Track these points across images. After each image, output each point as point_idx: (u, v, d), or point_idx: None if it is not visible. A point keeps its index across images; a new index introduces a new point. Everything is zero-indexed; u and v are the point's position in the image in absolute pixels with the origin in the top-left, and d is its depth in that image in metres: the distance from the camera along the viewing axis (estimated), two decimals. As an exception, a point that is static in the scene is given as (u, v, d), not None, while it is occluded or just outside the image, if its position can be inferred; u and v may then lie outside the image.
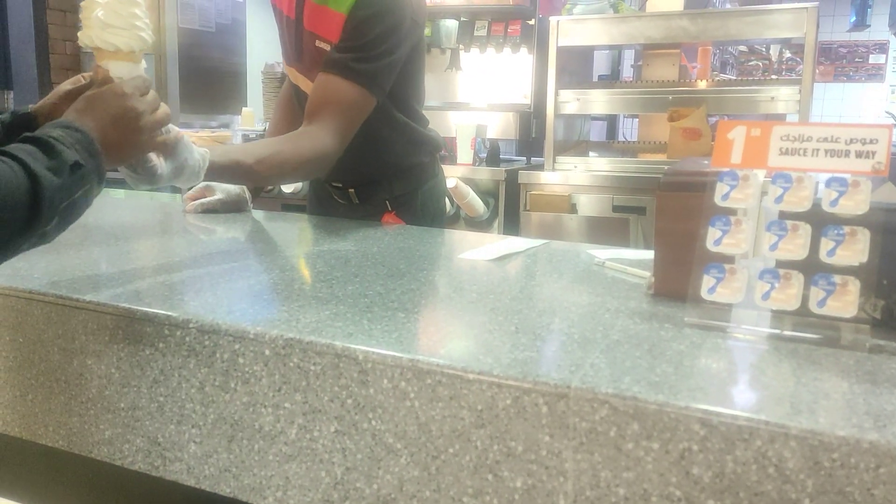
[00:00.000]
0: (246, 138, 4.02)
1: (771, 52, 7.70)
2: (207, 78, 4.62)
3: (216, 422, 0.85)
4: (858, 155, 0.84)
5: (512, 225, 3.31)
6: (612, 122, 5.27)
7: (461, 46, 3.58)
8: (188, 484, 0.88)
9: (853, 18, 7.65)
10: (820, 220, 0.83)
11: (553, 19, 3.23)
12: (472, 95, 3.72)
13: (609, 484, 0.66)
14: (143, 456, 0.90)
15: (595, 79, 4.37)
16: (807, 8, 2.78)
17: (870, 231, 0.80)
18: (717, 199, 0.89)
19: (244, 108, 4.47)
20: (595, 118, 4.54)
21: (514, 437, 0.70)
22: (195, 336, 0.85)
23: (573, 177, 3.23)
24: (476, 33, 3.44)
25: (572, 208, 3.18)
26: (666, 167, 3.19)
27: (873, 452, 0.57)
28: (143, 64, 1.02)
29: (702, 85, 3.35)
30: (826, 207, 0.83)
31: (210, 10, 4.66)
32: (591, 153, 3.67)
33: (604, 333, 0.84)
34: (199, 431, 0.86)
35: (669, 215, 1.00)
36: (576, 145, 3.75)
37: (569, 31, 3.21)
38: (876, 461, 0.57)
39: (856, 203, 0.81)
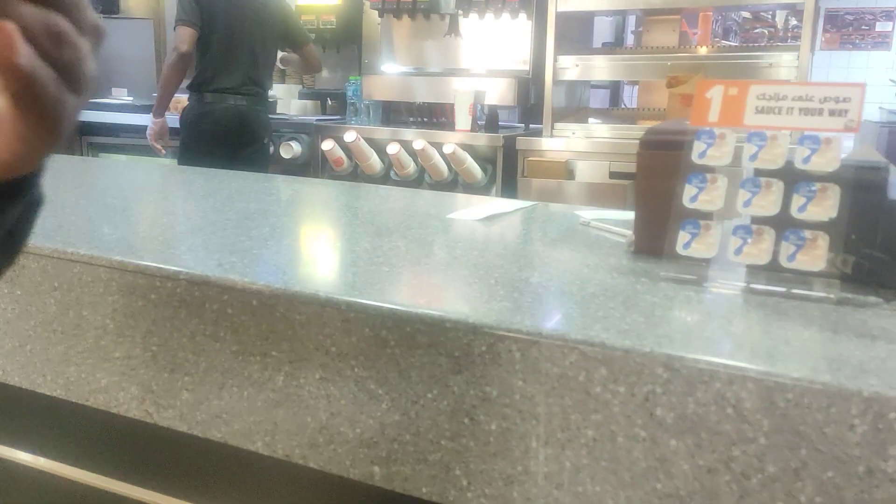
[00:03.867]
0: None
1: (777, 19, 7.63)
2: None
3: (207, 370, 0.88)
4: (832, 113, 0.85)
5: (510, 191, 3.33)
6: (614, 89, 5.25)
7: (460, 12, 3.56)
8: (181, 430, 0.91)
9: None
10: (792, 178, 0.85)
11: (552, -17, 3.21)
12: (471, 61, 3.71)
13: (578, 426, 0.70)
14: (138, 403, 0.94)
15: (599, 45, 4.35)
16: (807, -27, 2.77)
17: (840, 188, 0.82)
18: (694, 157, 0.91)
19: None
20: (597, 85, 4.53)
21: (489, 382, 0.73)
22: (185, 288, 0.88)
23: (571, 143, 3.23)
24: (475, -1, 3.43)
25: (570, 174, 3.19)
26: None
27: (825, 393, 0.60)
28: None
29: (702, 51, 3.33)
30: (798, 165, 0.85)
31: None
32: (590, 120, 3.67)
33: (580, 287, 0.86)
34: (191, 379, 0.89)
35: (649, 174, 1.02)
36: (575, 112, 3.75)
37: (569, -5, 3.19)
38: (828, 401, 0.60)
39: (827, 160, 0.83)
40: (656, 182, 1.00)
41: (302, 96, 4.30)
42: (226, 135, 3.40)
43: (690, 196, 0.90)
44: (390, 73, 3.83)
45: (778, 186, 0.86)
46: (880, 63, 8.44)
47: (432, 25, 3.69)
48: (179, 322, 0.88)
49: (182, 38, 3.30)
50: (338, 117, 4.07)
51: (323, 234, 1.09)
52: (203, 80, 3.41)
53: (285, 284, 0.83)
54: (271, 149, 3.65)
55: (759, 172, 0.87)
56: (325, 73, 4.35)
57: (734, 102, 0.91)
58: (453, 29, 3.66)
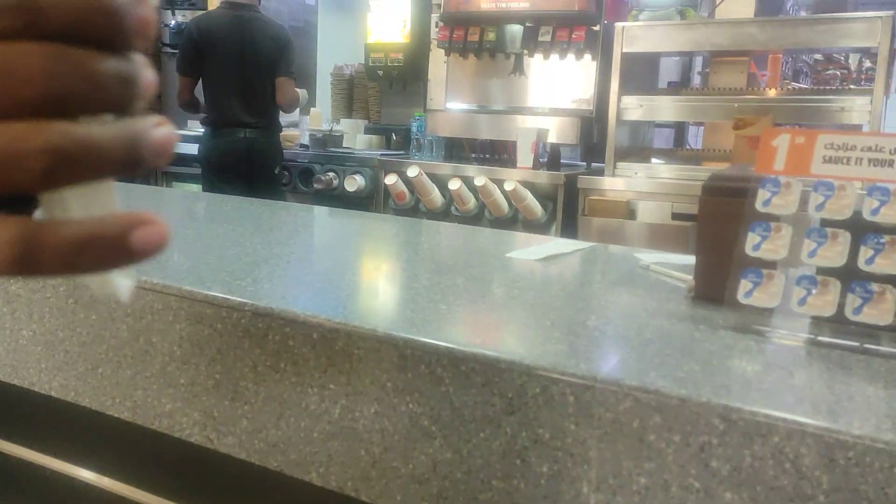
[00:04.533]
0: (313, 138, 4.14)
1: (850, 61, 7.46)
2: (278, 79, 4.77)
3: (266, 399, 0.91)
4: (902, 164, 0.84)
5: (570, 229, 3.32)
6: (679, 129, 5.21)
7: (525, 52, 3.61)
8: (239, 457, 0.94)
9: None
10: (860, 229, 0.84)
11: (619, 25, 3.23)
12: (535, 100, 3.74)
13: (631, 473, 0.69)
14: (200, 429, 0.97)
15: (665, 85, 4.34)
16: (881, 17, 2.71)
17: (909, 240, 0.80)
18: (759, 205, 0.90)
19: (312, 109, 4.60)
20: (662, 125, 4.51)
21: (541, 424, 0.73)
22: (250, 319, 0.91)
23: (633, 183, 3.21)
24: (540, 38, 3.46)
25: (631, 214, 3.17)
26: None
27: (888, 452, 0.58)
28: None
29: (771, 93, 3.29)
30: (867, 216, 0.83)
31: (283, 13, 4.82)
32: (653, 160, 3.65)
33: (637, 332, 0.86)
34: (251, 408, 0.92)
35: (711, 220, 1.01)
36: (638, 151, 3.73)
37: (634, 37, 3.20)
38: (890, 461, 0.58)
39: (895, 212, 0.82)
40: (718, 228, 0.99)
41: (367, 131, 4.39)
42: (235, 167, 3.55)
43: (753, 244, 0.89)
44: (454, 110, 3.89)
45: (845, 237, 0.84)
46: (961, 107, 8.14)
47: (497, 64, 3.74)
48: (242, 352, 0.91)
49: (180, 89, 3.56)
50: (401, 152, 4.14)
51: (383, 270, 1.12)
52: (210, 116, 3.59)
53: (345, 319, 0.85)
54: (315, 180, 3.74)
55: (825, 223, 0.86)
56: (389, 110, 4.44)
57: (801, 151, 0.90)
58: (518, 68, 3.70)
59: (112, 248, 0.27)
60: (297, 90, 3.76)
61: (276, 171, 3.70)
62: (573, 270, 1.24)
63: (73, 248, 0.26)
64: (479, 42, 3.64)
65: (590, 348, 0.80)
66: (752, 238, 0.89)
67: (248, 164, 3.58)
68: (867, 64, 7.42)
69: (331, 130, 4.29)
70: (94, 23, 0.24)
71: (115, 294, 0.36)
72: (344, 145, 4.24)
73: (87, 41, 0.24)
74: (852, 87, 6.26)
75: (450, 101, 3.91)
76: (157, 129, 0.27)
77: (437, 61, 3.98)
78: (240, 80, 3.55)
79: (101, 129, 0.25)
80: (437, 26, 3.78)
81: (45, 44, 0.23)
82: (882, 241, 0.82)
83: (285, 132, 4.23)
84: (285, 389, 0.89)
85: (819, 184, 0.87)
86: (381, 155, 3.93)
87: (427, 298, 0.96)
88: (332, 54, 4.99)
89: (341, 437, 0.86)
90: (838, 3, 4.11)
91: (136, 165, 0.27)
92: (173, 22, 4.83)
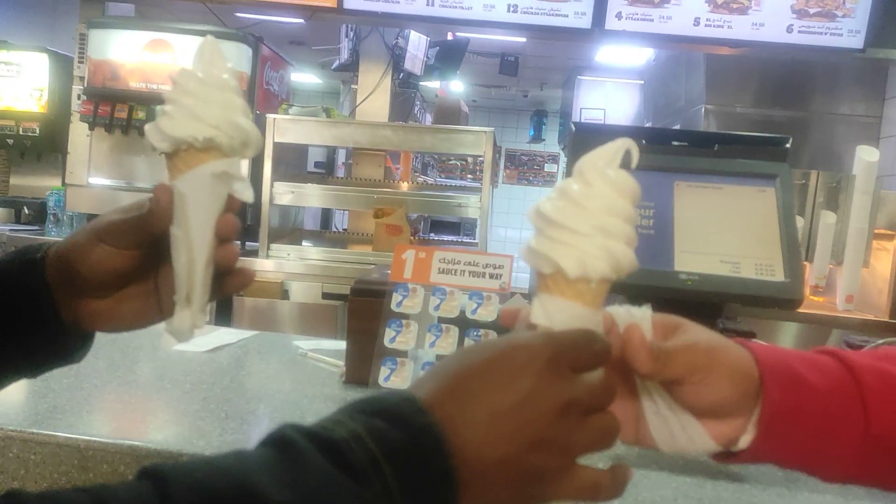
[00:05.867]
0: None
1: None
2: None
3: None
4: (491, 276, 1.14)
5: (225, 309, 3.38)
6: (326, 212, 5.58)
7: (178, 132, 3.63)
8: None
9: (532, 133, 8.97)
10: (465, 324, 1.11)
11: (270, 117, 3.45)
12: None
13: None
14: None
15: (312, 166, 4.64)
16: (485, 132, 3.32)
17: (497, 333, 1.09)
18: (393, 306, 1.13)
19: None
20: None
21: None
22: None
23: (286, 264, 3.40)
24: (193, 122, 3.53)
25: (284, 294, 3.35)
26: (371, 260, 3.45)
27: None
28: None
29: (404, 186, 3.76)
30: (469, 315, 1.11)
31: None
32: (304, 242, 3.89)
33: (301, 417, 1.02)
34: None
35: (357, 316, 1.23)
36: (290, 233, 3.95)
37: (285, 129, 3.44)
38: None
39: (488, 312, 1.10)
40: (364, 323, 1.20)
41: (-8, 203, 3.97)
42: None
43: (389, 338, 1.12)
44: (97, 186, 3.73)
45: (454, 331, 1.10)
46: (549, 197, 9.93)
47: (144, 141, 3.70)
48: None
49: None
50: (35, 227, 3.82)
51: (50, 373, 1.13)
52: None
53: (19, 426, 0.87)
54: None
55: (441, 319, 1.12)
56: (20, 181, 4.08)
57: (423, 263, 1.16)
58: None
59: None
60: None
61: None
62: (240, 360, 1.36)
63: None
64: (127, 119, 3.57)
65: (263, 436, 0.94)
66: (388, 332, 1.12)
67: None
68: (482, 158, 8.74)
69: (-59, 201, 3.80)
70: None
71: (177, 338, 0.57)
72: (-39, 217, 3.77)
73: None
74: (470, 176, 7.31)
75: (92, 177, 3.74)
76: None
77: (79, 134, 3.80)
78: None
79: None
80: (79, 98, 3.62)
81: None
82: (479, 333, 1.10)
83: None
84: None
85: (436, 289, 1.13)
86: (11, 230, 3.58)
87: (101, 399, 1.01)
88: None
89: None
90: (454, 112, 4.87)
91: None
92: None
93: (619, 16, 3.33)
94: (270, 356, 1.40)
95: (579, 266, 0.48)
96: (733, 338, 0.53)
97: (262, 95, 3.73)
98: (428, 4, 3.44)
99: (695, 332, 0.51)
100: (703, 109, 4.05)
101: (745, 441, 0.50)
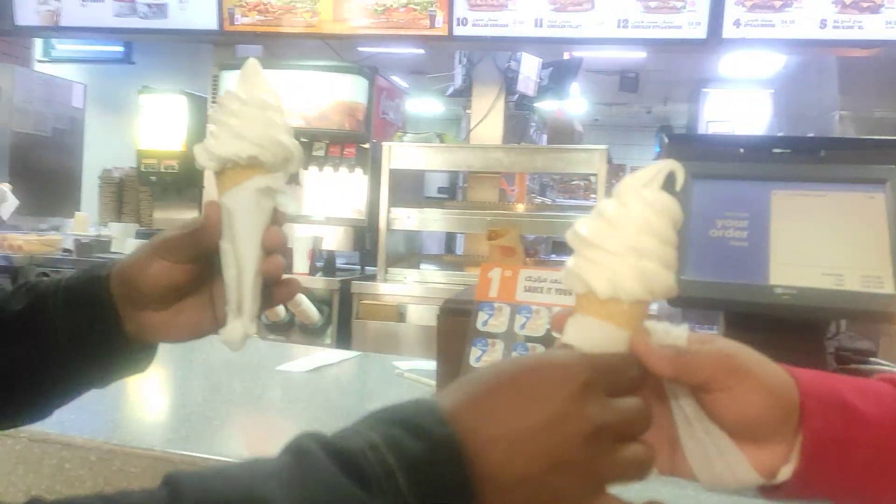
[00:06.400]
0: (78, 243, 3.98)
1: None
2: (40, 181, 4.55)
3: (39, 523, 0.94)
4: (578, 293, 1.11)
5: (345, 332, 3.48)
6: (450, 234, 5.67)
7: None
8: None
9: (657, 149, 8.74)
10: (551, 343, 1.09)
11: (385, 145, 3.55)
12: (311, 209, 3.94)
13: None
14: (-37, 561, 0.97)
15: (436, 191, 4.75)
16: (598, 149, 3.27)
17: (584, 352, 1.06)
18: (479, 325, 1.13)
19: (77, 212, 4.42)
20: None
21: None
22: (25, 444, 0.95)
23: (404, 287, 3.47)
24: (314, 153, 3.69)
25: (401, 317, 3.41)
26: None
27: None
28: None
29: (519, 208, 3.76)
30: (554, 334, 1.08)
31: (47, 115, 4.64)
32: (422, 265, 3.96)
33: (385, 435, 1.03)
34: (22, 533, 0.95)
35: (446, 336, 1.23)
36: (409, 257, 4.04)
37: (399, 155, 3.53)
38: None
39: (574, 330, 1.08)
40: (452, 343, 1.21)
41: (139, 235, 4.31)
42: None
43: (475, 357, 1.11)
44: (231, 217, 3.96)
45: (540, 350, 1.08)
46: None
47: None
48: (16, 478, 0.95)
49: None
50: (175, 257, 4.10)
51: (159, 389, 1.20)
52: None
53: (122, 441, 0.94)
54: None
55: (527, 339, 1.10)
56: (163, 214, 4.40)
57: (509, 282, 1.15)
58: (294, 179, 3.89)
59: None
60: None
61: None
62: (338, 381, 1.40)
63: None
64: (255, 153, 3.79)
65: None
66: (474, 352, 1.11)
67: None
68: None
69: (98, 235, 4.15)
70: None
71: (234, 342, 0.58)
72: (112, 250, 4.11)
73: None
74: (593, 196, 7.19)
75: (226, 208, 3.98)
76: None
77: (214, 169, 4.06)
78: None
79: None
80: (213, 136, 3.88)
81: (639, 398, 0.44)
82: (566, 352, 1.07)
83: (45, 236, 4.03)
84: (60, 512, 0.94)
85: (522, 308, 1.11)
86: (154, 260, 3.87)
87: (202, 416, 1.06)
88: (100, 157, 4.85)
89: (117, 552, 0.92)
90: (567, 132, 4.82)
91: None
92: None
93: (737, 23, 3.19)
94: (368, 376, 1.42)
95: (610, 286, 0.47)
96: (819, 362, 0.49)
97: (379, 124, 3.85)
98: (537, 26, 3.44)
99: (728, 343, 0.48)
100: (837, 116, 3.81)
101: (786, 472, 0.46)
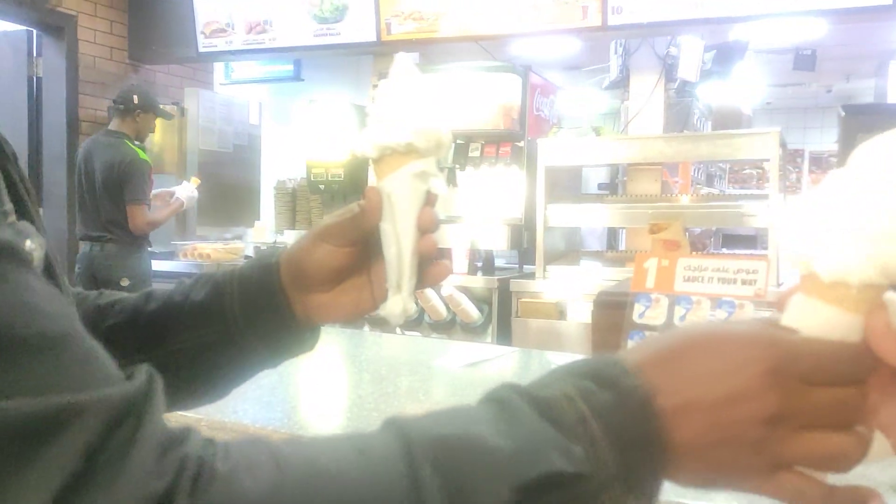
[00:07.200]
0: (258, 250, 4.28)
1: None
2: (224, 194, 4.95)
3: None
4: (744, 283, 1.04)
5: (505, 330, 3.49)
6: (612, 230, 5.53)
7: (457, 165, 3.87)
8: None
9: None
10: (715, 335, 1.02)
11: (541, 141, 3.52)
12: (468, 209, 3.99)
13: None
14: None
15: (595, 186, 4.65)
16: (769, 132, 3.05)
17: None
18: (635, 317, 1.08)
19: (256, 222, 4.75)
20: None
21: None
22: (205, 433, 1.03)
23: (563, 285, 3.43)
24: (470, 154, 3.74)
25: (561, 315, 3.37)
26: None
27: None
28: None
29: (683, 199, 3.60)
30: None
31: (228, 133, 5.05)
32: (581, 262, 3.89)
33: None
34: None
35: (601, 329, 1.19)
36: (568, 254, 3.98)
37: (555, 151, 3.49)
38: None
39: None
40: (607, 336, 1.17)
41: (310, 241, 4.56)
42: (80, 277, 3.80)
43: (632, 350, 1.07)
44: (393, 220, 4.10)
45: (702, 343, 1.02)
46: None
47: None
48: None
49: None
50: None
51: (323, 382, 1.26)
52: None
53: (290, 430, 0.99)
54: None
55: (687, 330, 1.04)
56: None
57: (666, 272, 1.10)
58: (451, 180, 3.95)
59: None
60: (150, 210, 3.89)
61: (123, 283, 3.80)
62: (492, 376, 1.40)
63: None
64: (414, 158, 3.89)
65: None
66: (631, 344, 1.07)
67: (89, 275, 3.81)
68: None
69: (275, 242, 4.45)
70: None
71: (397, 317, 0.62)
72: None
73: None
74: (767, 185, 6.76)
75: (389, 212, 4.12)
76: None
77: (376, 175, 4.22)
78: (82, 200, 3.90)
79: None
80: (375, 143, 4.03)
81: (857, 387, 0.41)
82: (731, 345, 1.00)
83: (230, 245, 4.36)
84: None
85: (681, 299, 1.06)
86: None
87: (361, 407, 1.10)
88: (275, 170, 5.21)
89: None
90: (734, 116, 4.55)
91: None
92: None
93: (929, -17, 2.86)
94: (523, 370, 1.41)
95: (835, 268, 0.41)
96: None
97: (533, 121, 3.83)
98: (697, 6, 3.27)
99: None
100: None
101: None
